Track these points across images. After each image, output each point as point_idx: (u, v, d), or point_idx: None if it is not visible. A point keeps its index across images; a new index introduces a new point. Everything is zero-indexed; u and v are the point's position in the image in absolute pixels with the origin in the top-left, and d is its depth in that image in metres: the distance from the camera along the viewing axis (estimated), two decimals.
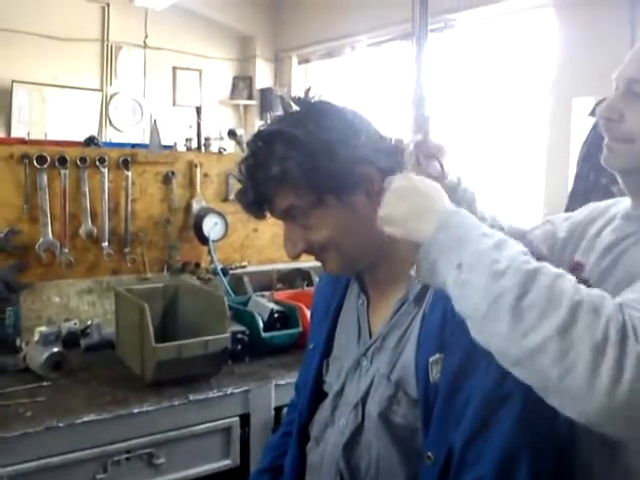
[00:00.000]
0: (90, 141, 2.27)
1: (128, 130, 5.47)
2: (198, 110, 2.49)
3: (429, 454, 0.92)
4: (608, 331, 0.67)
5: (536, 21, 3.86)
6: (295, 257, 1.07)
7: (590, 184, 3.05)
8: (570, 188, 3.15)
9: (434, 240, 0.83)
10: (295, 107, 1.04)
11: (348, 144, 0.99)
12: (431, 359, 0.93)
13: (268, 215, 1.08)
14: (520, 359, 0.72)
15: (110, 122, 5.43)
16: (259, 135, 1.04)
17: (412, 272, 1.02)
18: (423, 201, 0.87)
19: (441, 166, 1.05)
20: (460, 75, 4.23)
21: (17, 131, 4.98)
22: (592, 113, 3.14)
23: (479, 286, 0.75)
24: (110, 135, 5.35)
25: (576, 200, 3.12)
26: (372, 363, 1.05)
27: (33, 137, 2.47)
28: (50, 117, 5.13)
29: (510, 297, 0.72)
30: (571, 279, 0.73)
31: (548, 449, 0.89)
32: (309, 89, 1.05)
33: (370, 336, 1.09)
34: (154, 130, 2.30)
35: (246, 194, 1.03)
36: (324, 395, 1.15)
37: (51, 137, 3.96)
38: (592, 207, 1.10)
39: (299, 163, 0.97)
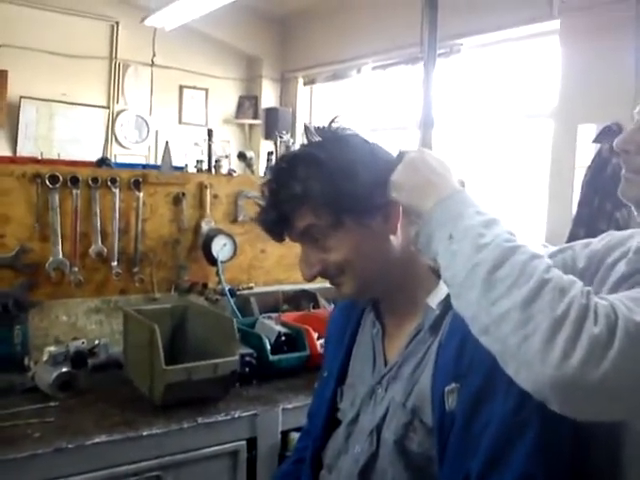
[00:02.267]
0: (102, 162, 2.29)
1: (133, 147, 5.51)
2: (210, 132, 2.51)
3: None
4: (569, 310, 0.72)
5: (541, 48, 3.90)
6: (311, 279, 1.08)
7: (594, 210, 3.07)
8: (574, 214, 3.17)
9: (434, 213, 0.89)
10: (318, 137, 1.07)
11: (369, 168, 1.01)
12: (447, 388, 0.94)
13: (287, 239, 1.09)
14: (488, 326, 0.77)
15: (116, 139, 5.46)
16: (282, 158, 1.09)
17: (428, 301, 1.03)
18: (432, 175, 0.93)
19: None
20: (465, 100, 4.27)
21: (23, 147, 5.02)
22: (596, 140, 3.18)
23: (463, 256, 0.82)
24: (115, 151, 5.39)
25: (580, 226, 3.14)
26: (387, 391, 1.06)
27: (39, 152, 2.48)
28: (57, 133, 5.17)
29: (485, 268, 0.78)
30: (547, 261, 0.79)
31: (564, 476, 0.89)
32: (334, 119, 1.08)
33: (385, 364, 1.09)
34: (166, 152, 2.32)
35: (267, 213, 1.05)
36: (338, 423, 1.15)
37: (57, 152, 4.00)
38: (612, 236, 1.11)
39: (320, 183, 0.99)
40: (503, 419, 0.88)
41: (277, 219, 1.04)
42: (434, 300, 1.02)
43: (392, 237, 1.04)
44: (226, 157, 2.63)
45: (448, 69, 4.26)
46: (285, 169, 1.04)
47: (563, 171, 3.47)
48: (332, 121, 1.09)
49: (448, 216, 0.87)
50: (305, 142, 1.10)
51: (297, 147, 1.14)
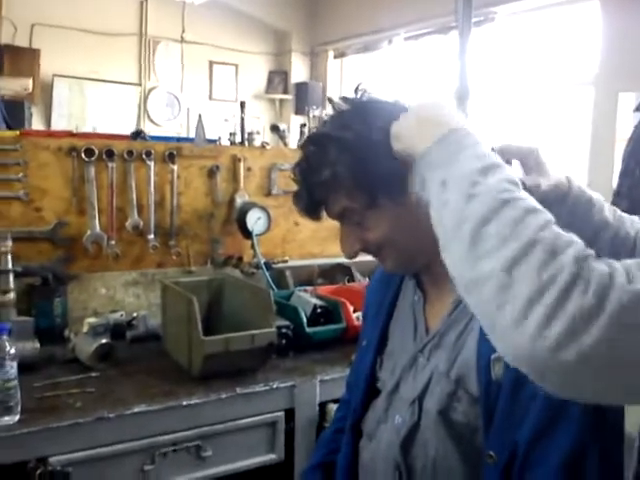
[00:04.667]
0: (137, 135, 2.29)
1: (165, 124, 5.53)
2: (242, 105, 2.49)
3: (491, 453, 0.90)
4: (557, 275, 0.63)
5: (580, 14, 3.78)
6: (352, 257, 1.07)
7: (636, 180, 2.98)
8: (615, 185, 3.09)
9: (427, 155, 0.81)
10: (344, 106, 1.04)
11: None
12: (493, 356, 0.91)
13: (325, 216, 1.07)
14: (469, 286, 0.70)
15: (148, 116, 5.49)
16: (311, 139, 1.05)
17: None
18: (430, 115, 0.86)
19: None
20: (501, 69, 4.17)
21: (57, 124, 5.08)
22: (638, 108, 3.08)
23: (452, 206, 0.74)
24: (148, 129, 5.41)
25: (622, 197, 3.06)
26: (429, 360, 1.04)
27: (74, 126, 2.49)
28: (89, 110, 5.21)
29: (473, 222, 0.70)
30: (544, 217, 0.69)
31: (617, 445, 0.86)
32: (358, 87, 1.04)
33: (427, 332, 1.07)
34: (199, 125, 2.31)
35: (301, 198, 1.04)
36: (377, 391, 1.14)
37: (89, 130, 4.03)
38: None
39: (350, 166, 0.97)
40: None
41: (311, 203, 1.03)
42: None
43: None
44: (257, 133, 2.61)
45: (482, 38, 4.15)
46: (314, 151, 1.01)
47: (604, 141, 3.38)
48: (357, 90, 1.05)
49: (443, 159, 0.80)
50: (329, 115, 1.07)
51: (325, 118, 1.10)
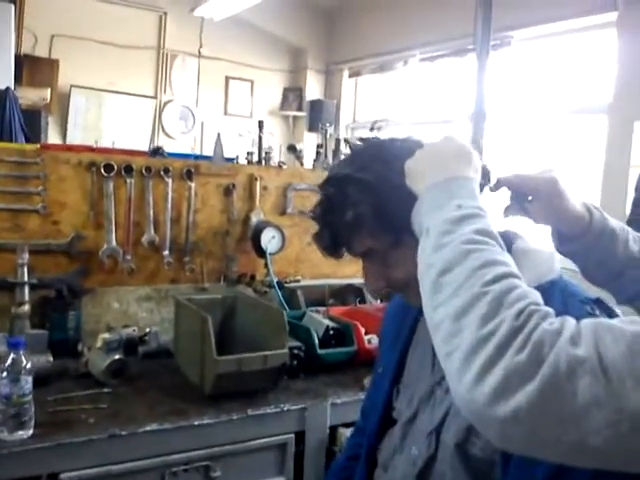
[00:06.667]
0: (156, 151, 2.31)
1: (179, 138, 5.57)
2: (260, 124, 2.51)
3: None
4: (496, 330, 0.65)
5: (595, 41, 3.79)
6: (377, 293, 1.07)
7: None
8: (628, 213, 3.08)
9: (420, 202, 0.86)
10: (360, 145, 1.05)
11: None
12: None
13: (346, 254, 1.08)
14: (431, 330, 0.73)
15: (162, 129, 5.52)
16: (330, 180, 1.04)
17: None
18: (435, 159, 0.89)
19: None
20: (516, 94, 4.18)
21: (72, 134, 5.12)
22: None
23: (426, 253, 0.78)
24: (162, 142, 5.44)
25: (635, 227, 3.06)
26: (447, 392, 1.04)
27: (87, 142, 2.51)
28: (105, 122, 5.26)
29: (435, 270, 0.74)
30: (501, 270, 0.71)
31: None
32: (373, 124, 1.05)
33: None
34: (217, 143, 2.33)
35: (322, 238, 1.05)
36: (393, 421, 1.13)
37: (105, 142, 4.07)
38: None
39: (373, 208, 0.97)
40: None
41: (334, 245, 1.04)
42: None
43: None
44: (270, 149, 2.62)
45: (498, 62, 4.17)
46: (335, 193, 1.01)
47: (617, 169, 3.38)
48: (372, 127, 1.06)
49: (431, 207, 0.83)
50: (347, 156, 1.08)
51: (342, 155, 1.11)
